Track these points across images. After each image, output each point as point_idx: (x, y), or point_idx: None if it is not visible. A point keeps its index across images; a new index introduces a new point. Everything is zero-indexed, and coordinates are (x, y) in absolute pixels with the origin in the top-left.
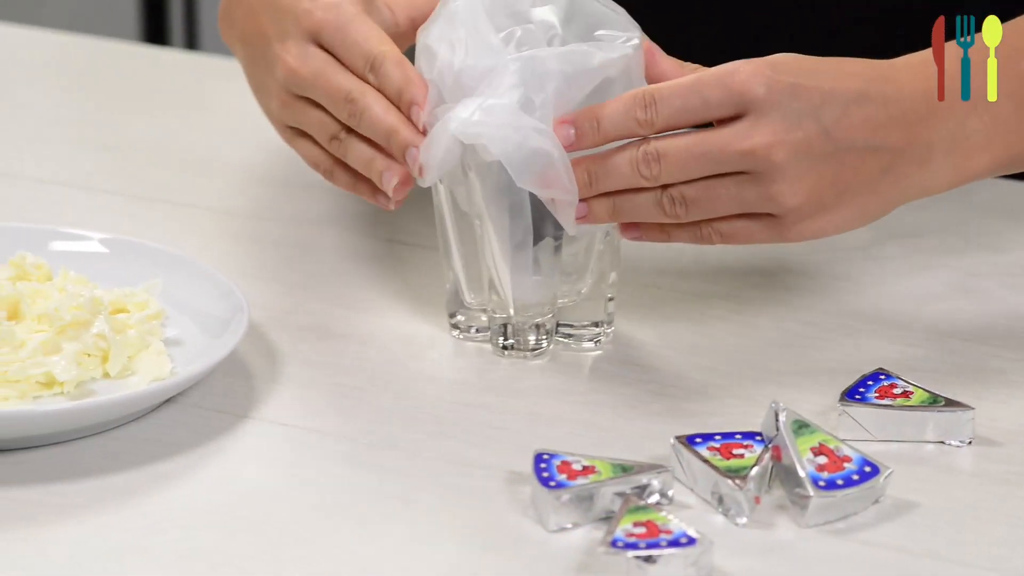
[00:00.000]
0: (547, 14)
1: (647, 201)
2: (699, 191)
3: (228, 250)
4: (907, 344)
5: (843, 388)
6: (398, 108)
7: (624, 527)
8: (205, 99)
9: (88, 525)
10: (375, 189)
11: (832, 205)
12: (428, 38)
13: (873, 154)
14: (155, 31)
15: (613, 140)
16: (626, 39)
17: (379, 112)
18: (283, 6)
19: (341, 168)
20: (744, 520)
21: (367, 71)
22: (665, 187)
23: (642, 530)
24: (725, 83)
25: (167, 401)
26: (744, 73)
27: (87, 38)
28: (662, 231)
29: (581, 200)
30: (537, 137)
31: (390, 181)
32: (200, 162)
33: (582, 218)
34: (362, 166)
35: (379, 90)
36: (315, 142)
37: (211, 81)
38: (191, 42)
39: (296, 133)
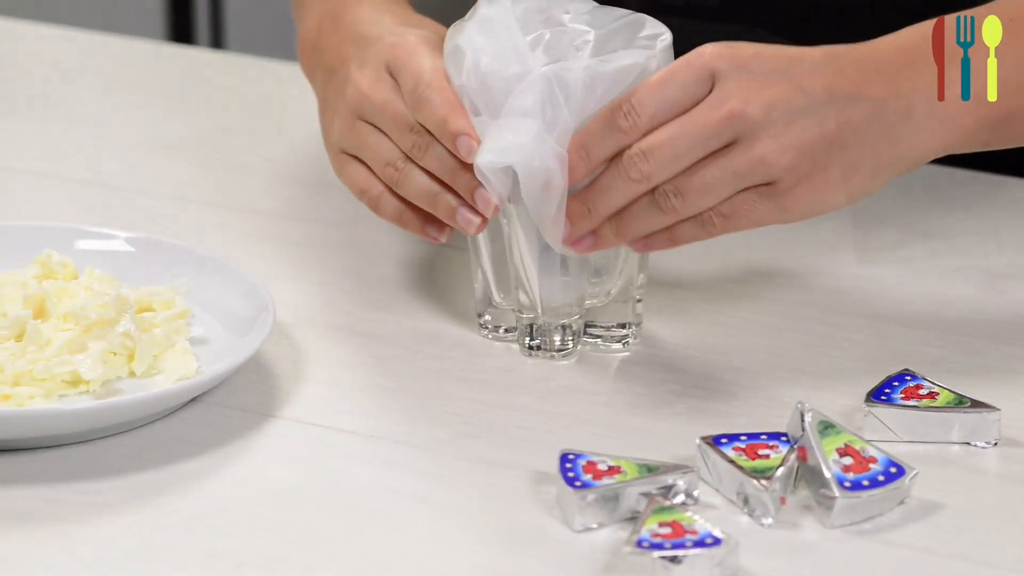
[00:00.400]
0: (579, 21)
1: (645, 207)
2: (691, 176)
3: (254, 249)
4: (933, 345)
5: (869, 389)
6: (440, 140)
7: (649, 527)
8: (231, 98)
9: (113, 524)
10: (424, 223)
11: (823, 162)
12: (458, 38)
13: (853, 105)
14: (181, 30)
15: (604, 160)
16: (659, 39)
17: (445, 148)
18: (369, 36)
19: (389, 197)
20: (769, 520)
21: (410, 96)
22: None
23: (667, 530)
24: (692, 63)
25: (192, 400)
26: (708, 53)
27: (113, 37)
28: (668, 235)
29: (590, 233)
30: (550, 158)
31: (470, 222)
32: (226, 161)
33: (591, 246)
34: (422, 197)
35: (421, 121)
36: (366, 169)
37: (237, 80)
38: (217, 41)
39: (348, 159)
